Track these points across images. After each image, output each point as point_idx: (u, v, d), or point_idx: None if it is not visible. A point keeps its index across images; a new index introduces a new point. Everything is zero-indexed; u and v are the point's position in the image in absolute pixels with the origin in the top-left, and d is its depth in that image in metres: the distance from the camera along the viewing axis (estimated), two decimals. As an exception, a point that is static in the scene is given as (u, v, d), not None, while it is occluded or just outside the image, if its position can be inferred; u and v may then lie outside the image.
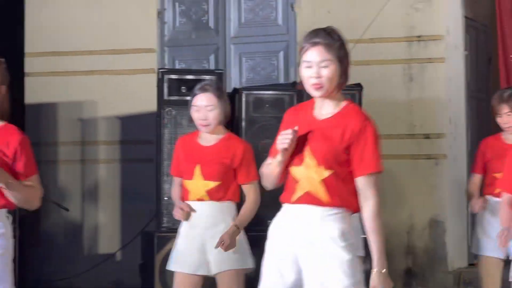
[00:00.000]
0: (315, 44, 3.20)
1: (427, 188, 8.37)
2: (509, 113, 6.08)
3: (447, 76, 8.41)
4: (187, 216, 4.85)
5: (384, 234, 3.19)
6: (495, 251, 5.80)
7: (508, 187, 4.85)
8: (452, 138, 8.45)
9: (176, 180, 5.04)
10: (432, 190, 8.38)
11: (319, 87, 3.23)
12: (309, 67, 3.23)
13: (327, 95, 3.29)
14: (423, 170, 8.37)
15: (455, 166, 8.65)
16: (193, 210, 4.84)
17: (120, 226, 8.99)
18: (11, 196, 3.48)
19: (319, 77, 3.20)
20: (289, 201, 3.34)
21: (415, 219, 8.30)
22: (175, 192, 5.06)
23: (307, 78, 3.25)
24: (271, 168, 3.44)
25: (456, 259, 8.47)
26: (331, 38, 3.21)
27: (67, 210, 8.42)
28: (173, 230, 6.45)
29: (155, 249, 7.22)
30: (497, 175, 5.65)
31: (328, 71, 3.18)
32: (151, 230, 7.71)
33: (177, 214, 4.83)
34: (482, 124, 9.11)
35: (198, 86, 5.22)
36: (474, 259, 8.30)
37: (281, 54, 8.88)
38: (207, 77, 7.27)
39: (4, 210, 3.62)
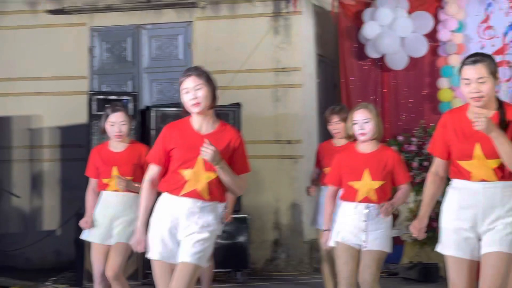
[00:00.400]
0: (189, 75, 4.28)
1: (289, 180, 10.13)
2: (338, 122, 7.09)
3: (303, 98, 10.32)
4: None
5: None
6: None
7: (329, 180, 6.02)
8: (307, 143, 10.19)
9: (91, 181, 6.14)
10: (293, 181, 10.13)
11: (197, 104, 4.26)
12: (188, 92, 4.28)
13: (204, 113, 4.37)
14: (286, 166, 10.15)
15: (309, 163, 9.69)
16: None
17: (60, 209, 10.62)
18: None
19: (195, 97, 4.21)
20: (177, 194, 4.41)
21: (280, 202, 10.06)
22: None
23: (188, 100, 4.27)
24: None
25: (310, 233, 9.92)
26: (201, 71, 4.38)
27: (18, 197, 10.38)
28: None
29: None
30: (326, 170, 6.67)
31: (202, 92, 4.25)
32: (83, 212, 8.70)
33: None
34: (328, 133, 11.02)
35: (110, 107, 6.42)
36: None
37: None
38: (126, 97, 9.20)
39: None
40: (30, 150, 10.89)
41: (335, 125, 6.99)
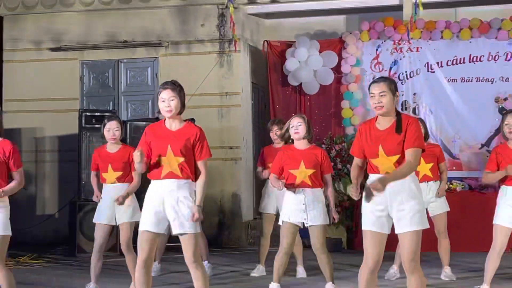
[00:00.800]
0: (166, 88, 5.08)
1: (230, 176, 11.86)
2: (277, 130, 8.13)
3: (241, 115, 12.05)
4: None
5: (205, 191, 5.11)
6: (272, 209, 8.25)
7: (273, 170, 7.02)
8: (244, 149, 12.03)
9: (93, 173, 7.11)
10: (233, 177, 11.87)
11: (170, 111, 5.03)
12: (163, 101, 5.03)
13: (174, 117, 5.12)
14: (228, 166, 11.85)
15: (246, 164, 12.16)
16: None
17: (57, 199, 12.32)
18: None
19: (169, 106, 4.99)
20: (159, 178, 5.15)
21: (225, 192, 11.77)
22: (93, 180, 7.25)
23: (163, 107, 5.05)
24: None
25: (246, 215, 11.93)
26: (174, 85, 5.09)
27: (25, 189, 11.11)
28: (88, 201, 10.06)
29: (77, 211, 10.53)
30: (270, 165, 7.66)
31: (174, 103, 5.00)
32: (75, 201, 10.71)
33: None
34: (260, 141, 12.20)
35: (107, 117, 7.76)
36: (256, 215, 11.59)
37: (150, 102, 12.43)
38: (107, 114, 10.29)
39: None
40: (35, 153, 12.58)
41: (275, 132, 8.14)
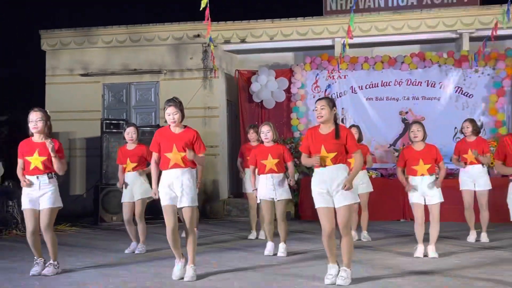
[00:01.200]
0: (170, 105, 5.39)
1: (212, 167, 12.42)
2: (253, 133, 8.49)
3: (219, 123, 12.87)
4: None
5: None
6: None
7: (251, 163, 7.34)
8: (221, 148, 12.83)
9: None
10: (214, 168, 12.58)
11: (174, 122, 5.38)
12: (169, 115, 5.36)
13: (177, 125, 5.43)
14: (210, 160, 12.11)
15: (222, 158, 12.91)
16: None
17: (85, 183, 13.00)
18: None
19: (173, 119, 5.35)
20: (167, 168, 5.44)
21: (207, 179, 12.21)
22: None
23: (169, 120, 5.36)
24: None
25: (223, 195, 12.74)
26: (176, 102, 5.42)
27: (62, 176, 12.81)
28: (108, 185, 10.72)
29: (99, 192, 11.02)
30: (268, 163, 7.18)
31: (177, 116, 5.35)
32: (98, 185, 11.19)
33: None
34: (232, 142, 13.18)
35: (126, 123, 8.22)
36: (229, 195, 12.63)
37: (153, 113, 13.09)
38: (122, 121, 11.36)
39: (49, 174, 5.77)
40: (69, 150, 12.88)
41: (252, 134, 8.48)
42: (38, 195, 5.79)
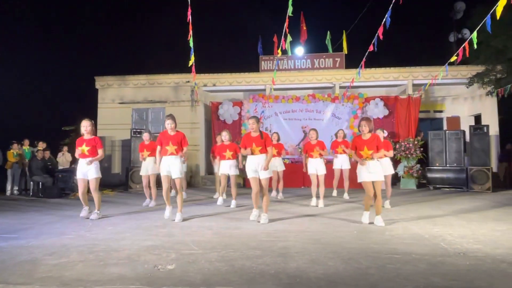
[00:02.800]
0: (168, 118, 5.27)
1: (195, 157, 12.39)
2: (218, 135, 7.84)
3: (200, 132, 12.77)
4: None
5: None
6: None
7: (218, 154, 7.13)
8: (200, 146, 12.67)
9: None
10: (196, 158, 12.42)
11: (172, 129, 5.18)
12: (168, 124, 5.14)
13: (172, 130, 5.22)
14: (194, 153, 12.34)
15: (201, 152, 12.70)
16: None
17: (121, 167, 12.79)
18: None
19: (171, 127, 5.21)
20: (166, 155, 5.26)
21: (192, 163, 12.30)
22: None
23: (168, 127, 5.16)
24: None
25: (201, 173, 12.56)
26: (173, 116, 5.28)
27: (105, 165, 12.36)
28: (134, 167, 10.39)
29: (128, 171, 10.81)
30: (226, 154, 7.05)
31: (172, 125, 5.17)
32: (127, 167, 11.03)
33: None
34: (207, 144, 12.92)
35: (144, 132, 7.34)
36: (205, 174, 12.41)
37: (161, 126, 12.44)
38: (142, 130, 10.59)
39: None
40: (111, 147, 12.94)
41: (220, 137, 7.76)
42: (86, 170, 5.68)
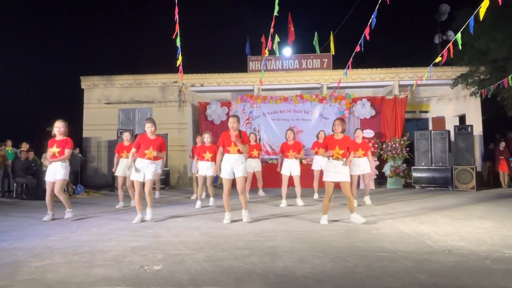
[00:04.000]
0: (148, 121, 5.17)
1: (182, 157, 12.21)
2: (199, 135, 8.03)
3: (187, 133, 12.63)
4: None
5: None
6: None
7: (196, 154, 7.62)
8: (188, 146, 12.25)
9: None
10: (182, 158, 12.24)
11: (151, 133, 5.13)
12: (148, 128, 5.08)
13: (152, 133, 5.13)
14: (181, 153, 12.21)
15: (187, 153, 11.61)
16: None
17: (107, 167, 12.47)
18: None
19: (151, 130, 5.13)
20: (143, 157, 5.10)
21: (180, 164, 12.27)
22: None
23: (148, 131, 5.11)
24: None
25: (188, 174, 12.18)
26: (152, 120, 5.23)
27: (92, 162, 12.29)
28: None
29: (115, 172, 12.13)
30: (206, 155, 6.93)
31: (152, 128, 5.17)
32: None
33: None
34: (195, 142, 11.60)
35: (125, 131, 7.57)
36: (190, 174, 13.05)
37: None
38: (129, 131, 9.48)
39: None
40: (97, 148, 12.84)
41: (203, 139, 7.27)
42: (55, 172, 5.54)
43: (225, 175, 5.12)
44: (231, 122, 5.16)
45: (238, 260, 3.26)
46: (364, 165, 6.76)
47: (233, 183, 5.25)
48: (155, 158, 5.29)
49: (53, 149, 5.51)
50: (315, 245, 3.79)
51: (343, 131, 5.04)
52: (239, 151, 5.13)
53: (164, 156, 5.40)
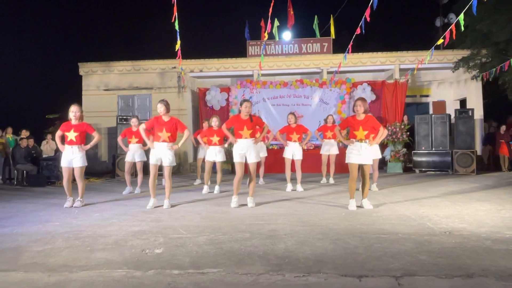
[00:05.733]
0: (161, 102, 5.00)
1: (184, 144, 13.18)
2: (205, 120, 7.75)
3: (188, 118, 12.54)
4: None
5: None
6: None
7: (202, 136, 8.98)
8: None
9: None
10: (185, 146, 12.07)
11: (164, 114, 5.00)
12: (160, 108, 4.94)
13: (165, 115, 5.00)
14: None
15: (189, 139, 11.97)
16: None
17: (108, 153, 12.66)
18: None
19: (162, 111, 4.96)
20: (159, 141, 5.01)
21: (181, 152, 12.10)
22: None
23: (160, 111, 4.97)
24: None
25: (189, 160, 12.41)
26: (165, 101, 5.03)
27: (93, 150, 12.15)
28: (120, 155, 10.14)
29: (115, 159, 10.65)
30: (213, 139, 6.82)
31: (164, 110, 5.00)
32: (114, 154, 10.85)
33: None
34: (195, 129, 12.22)
35: (133, 117, 7.25)
36: (193, 160, 12.28)
37: (147, 113, 12.52)
38: (129, 117, 10.49)
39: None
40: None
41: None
42: (72, 158, 5.47)
43: (237, 159, 5.09)
44: (246, 107, 5.10)
45: (239, 243, 3.27)
46: (374, 150, 6.57)
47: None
48: (170, 138, 5.19)
49: (69, 134, 5.40)
50: (315, 228, 3.80)
51: (365, 111, 4.90)
52: (251, 135, 5.10)
53: (187, 135, 5.24)
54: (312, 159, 9.77)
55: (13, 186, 9.14)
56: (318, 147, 10.39)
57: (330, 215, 4.52)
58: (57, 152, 10.18)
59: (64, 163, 5.46)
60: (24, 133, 10.21)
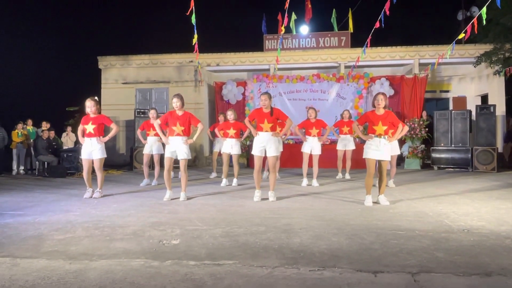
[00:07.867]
0: (176, 97, 4.98)
1: (200, 137, 11.86)
2: (221, 114, 8.02)
3: (204, 112, 12.57)
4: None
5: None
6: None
7: (219, 129, 8.68)
8: (205, 126, 12.07)
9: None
10: (201, 139, 12.14)
11: (179, 108, 4.95)
12: (175, 103, 4.91)
13: (180, 109, 4.97)
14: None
15: (205, 133, 11.85)
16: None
17: (125, 146, 12.83)
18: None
19: (178, 105, 4.92)
20: (173, 135, 5.03)
21: (197, 144, 12.25)
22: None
23: (175, 106, 4.91)
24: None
25: (205, 153, 12.53)
26: (180, 96, 5.03)
27: (111, 143, 12.89)
28: (138, 147, 10.27)
29: (133, 151, 10.77)
30: (230, 132, 6.90)
31: (179, 104, 4.95)
32: (132, 147, 10.95)
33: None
34: (211, 123, 12.24)
35: (152, 109, 7.39)
36: (209, 153, 12.28)
37: (164, 107, 12.48)
38: (146, 110, 10.74)
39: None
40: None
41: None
42: (91, 150, 5.54)
43: (256, 152, 5.08)
44: (263, 100, 5.06)
45: (254, 236, 3.28)
46: (393, 146, 6.49)
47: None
48: (184, 132, 5.18)
49: (88, 126, 5.50)
50: (331, 223, 3.78)
51: (385, 107, 4.83)
52: (271, 129, 5.06)
53: (201, 129, 5.22)
54: (328, 154, 9.70)
55: (35, 177, 9.37)
56: (334, 142, 10.31)
57: (346, 210, 4.49)
58: (77, 144, 10.44)
59: (84, 155, 5.57)
60: (45, 125, 10.42)
